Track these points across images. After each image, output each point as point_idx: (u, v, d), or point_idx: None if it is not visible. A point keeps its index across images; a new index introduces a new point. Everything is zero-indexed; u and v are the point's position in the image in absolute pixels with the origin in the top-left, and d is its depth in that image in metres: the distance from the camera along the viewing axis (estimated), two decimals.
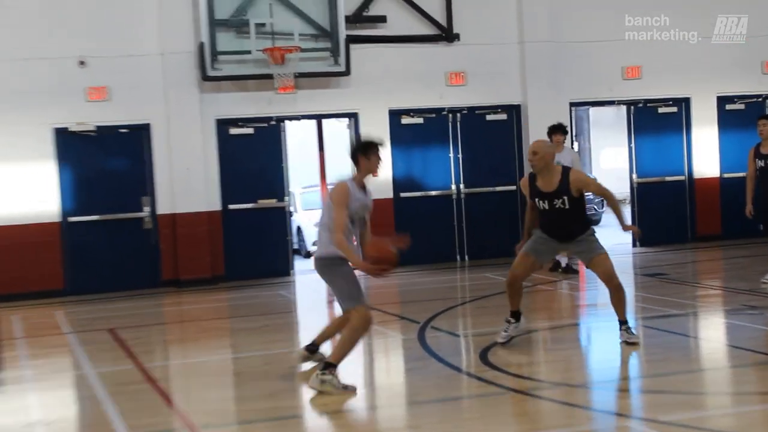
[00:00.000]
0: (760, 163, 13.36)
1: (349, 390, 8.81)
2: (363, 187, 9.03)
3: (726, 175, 18.91)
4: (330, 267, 8.87)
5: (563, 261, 15.61)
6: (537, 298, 14.23)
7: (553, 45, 18.12)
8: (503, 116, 18.19)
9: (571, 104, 18.53)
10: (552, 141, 15.21)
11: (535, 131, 17.21)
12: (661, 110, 18.89)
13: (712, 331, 11.57)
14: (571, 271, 15.59)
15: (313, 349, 9.80)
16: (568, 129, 16.46)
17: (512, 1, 18.11)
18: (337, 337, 9.41)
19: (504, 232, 17.63)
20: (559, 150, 15.35)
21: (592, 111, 28.56)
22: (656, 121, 18.86)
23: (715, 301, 13.21)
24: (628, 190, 19.21)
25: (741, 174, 18.42)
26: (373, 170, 9.02)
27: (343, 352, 8.86)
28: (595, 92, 18.74)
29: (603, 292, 12.81)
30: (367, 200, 9.06)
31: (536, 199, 10.10)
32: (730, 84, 18.99)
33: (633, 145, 18.95)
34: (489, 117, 18.15)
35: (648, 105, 18.84)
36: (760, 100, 19.19)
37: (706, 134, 18.95)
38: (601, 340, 11.19)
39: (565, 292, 14.44)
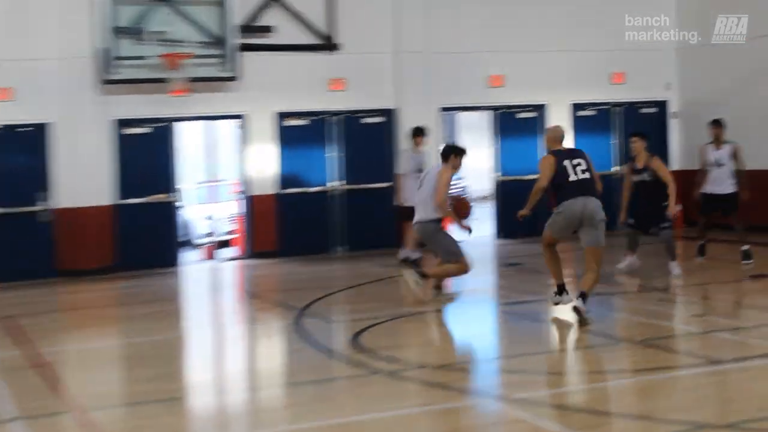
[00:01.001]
0: (637, 178, 13.41)
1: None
2: None
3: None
4: (431, 228, 11.68)
5: (413, 255, 15.32)
6: (406, 286, 14.12)
7: (425, 55, 18.07)
8: (379, 119, 18.06)
9: (441, 109, 18.49)
10: (414, 142, 15.46)
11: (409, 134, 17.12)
12: (521, 115, 18.99)
13: (563, 316, 11.59)
14: (418, 265, 15.21)
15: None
16: (429, 131, 16.34)
17: (389, 13, 18.01)
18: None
19: (380, 224, 17.51)
20: (420, 149, 15.47)
21: (461, 115, 28.65)
22: (517, 125, 18.95)
23: (568, 288, 13.25)
24: (493, 188, 19.24)
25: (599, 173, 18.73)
26: (458, 167, 11.95)
27: (437, 273, 11.87)
28: (463, 98, 18.74)
29: (468, 281, 12.81)
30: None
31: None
32: (581, 93, 19.19)
33: (496, 146, 19.00)
34: (366, 120, 18.00)
35: (510, 110, 18.92)
36: (608, 107, 19.43)
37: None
38: (463, 324, 11.11)
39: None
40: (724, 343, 9.15)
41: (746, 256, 13.92)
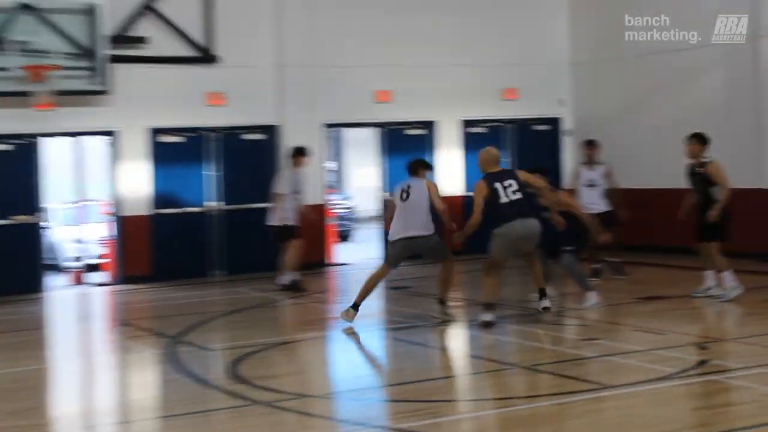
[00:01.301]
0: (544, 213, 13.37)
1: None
2: None
3: (469, 194, 19.32)
4: (436, 239, 12.23)
5: (287, 278, 15.37)
6: (286, 311, 14.14)
7: (309, 68, 18.14)
8: (260, 136, 18.05)
9: (326, 125, 18.58)
10: (293, 163, 15.56)
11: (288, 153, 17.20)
12: (409, 132, 19.20)
13: (452, 341, 11.76)
14: (297, 288, 15.27)
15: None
16: (311, 152, 16.34)
17: (270, 24, 18.04)
18: None
19: (261, 247, 17.47)
20: (299, 170, 15.55)
21: (347, 132, 28.78)
22: (405, 143, 19.15)
23: (455, 312, 13.44)
24: (380, 208, 19.39)
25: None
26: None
27: (446, 288, 12.43)
28: (349, 114, 18.87)
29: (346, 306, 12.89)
30: None
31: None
32: (472, 109, 19.49)
33: (383, 164, 19.15)
34: (246, 137, 17.98)
35: (397, 127, 19.11)
36: (499, 124, 19.78)
37: (451, 155, 19.37)
38: (348, 350, 11.17)
39: (314, 305, 14.38)
40: (616, 367, 9.39)
41: (595, 274, 14.62)
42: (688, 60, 17.74)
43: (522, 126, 19.98)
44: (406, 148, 19.13)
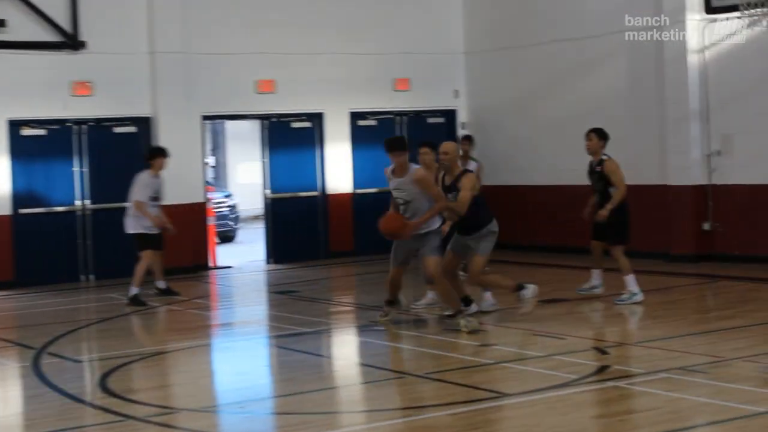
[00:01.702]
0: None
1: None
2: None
3: (358, 191, 19.48)
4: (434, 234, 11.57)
5: (161, 284, 15.15)
6: (162, 319, 14.06)
7: (185, 56, 17.99)
8: (132, 129, 17.87)
9: (205, 117, 18.49)
10: (152, 165, 14.69)
11: (167, 145, 17.07)
12: (294, 125, 19.22)
13: (342, 349, 11.85)
14: (169, 293, 15.12)
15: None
16: (169, 153, 15.70)
17: (143, 9, 17.83)
18: None
19: (132, 249, 17.27)
20: (158, 173, 14.72)
21: (229, 124, 28.65)
22: (290, 136, 19.18)
23: (345, 318, 13.54)
24: (263, 206, 19.39)
25: (373, 189, 19.19)
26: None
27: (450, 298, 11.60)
28: (230, 105, 18.79)
29: (237, 311, 12.85)
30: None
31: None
32: (362, 100, 19.58)
33: (267, 160, 19.14)
34: (117, 130, 17.78)
35: (282, 120, 19.12)
36: (391, 116, 19.92)
37: (340, 150, 19.44)
38: (231, 360, 11.17)
39: (193, 312, 14.31)
40: (514, 374, 9.58)
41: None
42: (590, 50, 18.14)
43: (415, 118, 20.16)
44: (292, 141, 19.18)
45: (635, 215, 13.44)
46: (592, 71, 18.28)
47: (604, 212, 12.75)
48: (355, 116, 19.62)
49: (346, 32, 19.35)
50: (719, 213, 16.49)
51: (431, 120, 20.38)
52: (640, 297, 12.86)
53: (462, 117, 20.53)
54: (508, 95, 19.84)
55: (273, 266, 18.78)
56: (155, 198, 14.79)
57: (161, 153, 15.05)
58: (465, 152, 15.59)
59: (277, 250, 19.04)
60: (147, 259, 14.60)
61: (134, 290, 14.49)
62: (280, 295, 15.41)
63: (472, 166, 15.09)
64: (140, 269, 14.55)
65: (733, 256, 16.27)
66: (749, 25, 14.51)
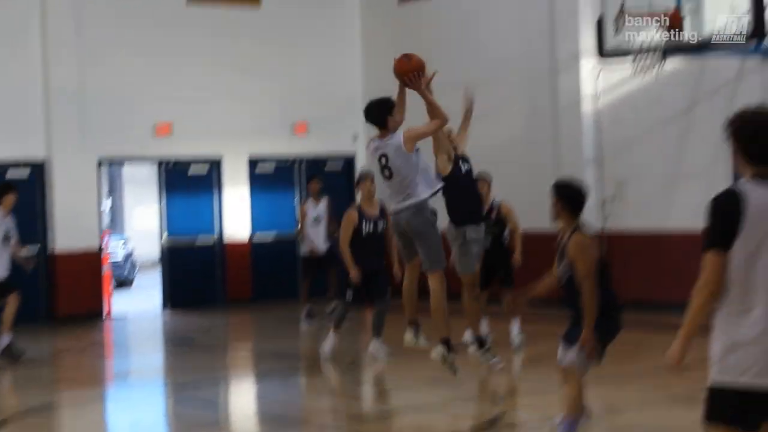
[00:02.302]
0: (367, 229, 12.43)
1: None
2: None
3: (256, 237, 19.41)
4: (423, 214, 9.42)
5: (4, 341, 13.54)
6: (58, 367, 13.81)
7: (82, 96, 17.72)
8: (25, 172, 17.53)
9: (101, 161, 18.29)
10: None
11: (62, 189, 16.93)
12: (192, 169, 19.10)
13: (239, 397, 11.77)
14: (11, 354, 13.35)
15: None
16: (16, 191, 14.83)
17: (37, 43, 17.50)
18: None
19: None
20: (6, 210, 13.35)
21: (126, 168, 28.40)
22: (188, 181, 19.06)
23: (243, 366, 13.46)
24: (160, 252, 19.21)
25: (271, 235, 19.17)
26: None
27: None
28: (127, 149, 18.59)
29: (132, 361, 12.65)
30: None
31: None
32: (261, 145, 19.55)
33: (164, 204, 19.00)
34: (9, 174, 17.38)
35: (179, 164, 19.00)
36: (289, 162, 19.91)
37: (238, 195, 19.37)
38: (126, 412, 11.01)
39: (89, 362, 14.07)
40: (407, 424, 9.61)
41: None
42: (486, 95, 18.34)
43: (314, 163, 20.16)
44: (189, 186, 19.06)
45: (530, 262, 13.52)
46: (488, 116, 18.47)
47: (518, 257, 12.77)
48: (254, 161, 19.58)
49: (246, 75, 19.26)
50: (613, 259, 16.76)
51: (330, 165, 20.41)
52: (521, 339, 12.79)
53: (360, 161, 20.58)
54: None
55: (169, 313, 18.58)
56: (6, 238, 13.42)
57: (9, 189, 13.63)
58: (315, 192, 16.38)
59: (174, 297, 18.86)
60: (10, 302, 13.27)
61: (4, 340, 13.23)
62: (176, 343, 15.26)
63: (323, 204, 16.27)
64: (7, 314, 13.29)
65: (627, 302, 16.49)
66: (641, 72, 14.83)
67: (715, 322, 4.83)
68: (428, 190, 9.48)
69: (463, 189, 11.15)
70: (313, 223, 16.08)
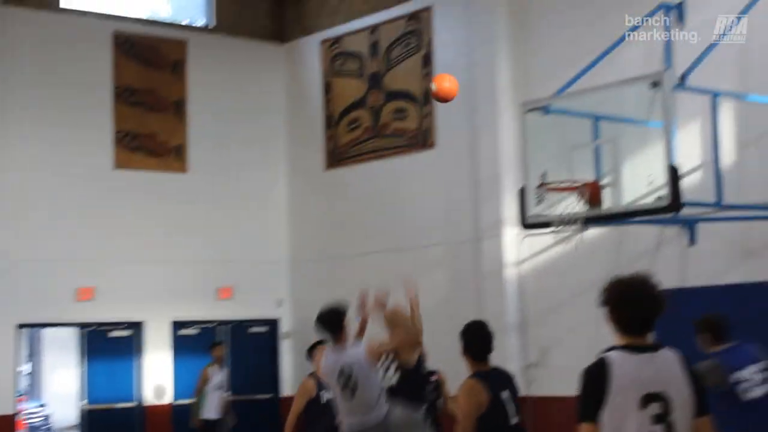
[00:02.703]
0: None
1: None
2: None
3: (178, 402, 19.15)
4: None
5: None
6: None
7: (3, 260, 17.69)
8: None
9: (21, 325, 18.06)
10: None
11: None
12: (113, 334, 18.93)
13: None
14: None
15: None
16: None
17: None
18: None
19: None
20: None
21: (47, 332, 27.97)
22: (109, 345, 18.85)
23: None
24: (78, 418, 18.85)
25: (195, 400, 18.97)
26: None
27: None
28: (47, 313, 18.42)
29: None
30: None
31: None
32: (185, 309, 19.47)
33: (84, 369, 18.73)
34: None
35: (101, 328, 18.81)
36: (213, 325, 19.81)
37: (160, 359, 19.18)
38: None
39: None
40: None
41: None
42: (412, 261, 18.55)
43: (238, 328, 20.10)
44: (110, 350, 18.84)
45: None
46: (412, 282, 18.57)
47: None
48: (177, 325, 19.45)
49: (169, 239, 19.35)
50: (537, 422, 16.77)
51: (254, 329, 20.35)
52: None
53: (285, 326, 20.56)
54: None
55: None
56: None
57: None
58: (219, 358, 17.15)
59: None
60: None
61: None
62: None
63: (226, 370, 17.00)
64: None
65: None
66: (563, 241, 15.11)
67: None
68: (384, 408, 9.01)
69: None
70: (215, 389, 16.68)
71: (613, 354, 4.88)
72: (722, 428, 6.50)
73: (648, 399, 4.77)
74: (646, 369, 4.84)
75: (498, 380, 7.33)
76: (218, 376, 16.82)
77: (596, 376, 4.80)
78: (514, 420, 7.29)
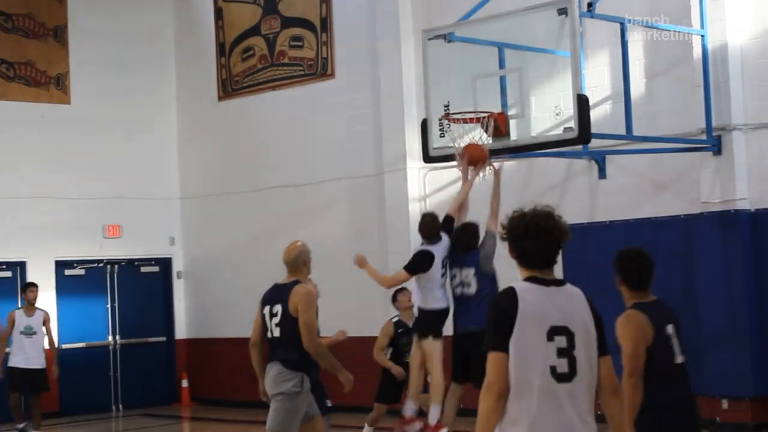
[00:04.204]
0: None
1: None
2: None
3: (64, 346, 18.90)
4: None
5: None
6: None
7: None
8: None
9: None
10: None
11: None
12: None
13: None
14: None
15: None
16: None
17: None
18: None
19: None
20: None
21: None
22: None
23: None
24: None
25: (81, 344, 18.75)
26: None
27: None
28: None
29: None
30: None
31: None
32: (69, 248, 19.16)
33: None
34: None
35: None
36: (101, 264, 19.57)
37: (43, 301, 18.83)
38: None
39: None
40: None
41: None
42: (312, 196, 18.46)
43: (128, 267, 19.87)
44: None
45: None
46: (314, 218, 18.52)
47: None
48: (61, 265, 19.14)
49: (52, 174, 18.94)
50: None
51: (145, 269, 20.14)
52: None
53: (178, 266, 20.38)
54: (227, 242, 19.82)
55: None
56: None
57: None
58: (31, 300, 15.82)
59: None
60: None
61: None
62: None
63: (39, 315, 15.71)
64: None
65: None
66: None
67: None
68: None
69: None
70: (25, 336, 15.54)
71: (520, 284, 4.99)
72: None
73: (554, 332, 4.89)
74: (552, 301, 4.95)
75: (661, 313, 6.89)
76: (27, 320, 15.65)
77: (504, 306, 4.91)
78: (679, 358, 6.88)
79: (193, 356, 20.05)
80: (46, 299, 18.83)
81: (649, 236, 14.25)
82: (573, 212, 15.23)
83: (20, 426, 15.19)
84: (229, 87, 19.81)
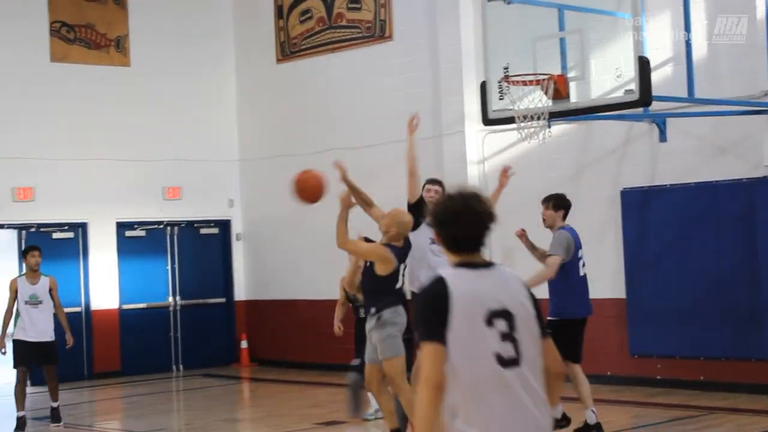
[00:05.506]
0: None
1: None
2: None
3: (125, 307, 19.23)
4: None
5: None
6: None
7: None
8: None
9: None
10: None
11: None
12: (56, 235, 18.88)
13: None
14: None
15: None
16: None
17: None
18: None
19: None
20: None
21: None
22: (51, 247, 18.70)
23: None
24: None
25: (142, 305, 19.04)
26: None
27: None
28: None
29: None
30: None
31: None
32: (130, 209, 19.45)
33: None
34: None
35: (41, 230, 18.76)
36: (161, 226, 19.83)
37: (105, 262, 19.19)
38: None
39: None
40: None
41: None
42: (369, 159, 18.54)
43: (187, 228, 20.13)
44: (52, 253, 18.73)
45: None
46: (371, 182, 18.56)
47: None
48: (122, 226, 19.43)
49: (112, 138, 19.20)
50: None
51: (204, 230, 20.39)
52: None
53: (237, 228, 20.60)
54: (285, 205, 19.81)
55: (31, 389, 18.16)
56: None
57: None
58: (33, 266, 14.11)
59: (34, 372, 18.46)
60: None
61: None
62: (38, 421, 14.96)
63: (43, 283, 14.10)
64: None
65: None
66: (527, 138, 15.17)
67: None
68: None
69: None
70: (30, 305, 13.94)
71: (448, 271, 4.76)
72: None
73: (492, 316, 4.66)
74: (484, 284, 4.72)
75: None
76: (31, 288, 14.05)
77: (435, 295, 4.66)
78: None
79: (252, 317, 20.31)
80: (108, 261, 19.19)
81: (710, 200, 14.25)
82: (633, 175, 15.30)
83: (20, 414, 14.04)
84: (288, 49, 19.94)
